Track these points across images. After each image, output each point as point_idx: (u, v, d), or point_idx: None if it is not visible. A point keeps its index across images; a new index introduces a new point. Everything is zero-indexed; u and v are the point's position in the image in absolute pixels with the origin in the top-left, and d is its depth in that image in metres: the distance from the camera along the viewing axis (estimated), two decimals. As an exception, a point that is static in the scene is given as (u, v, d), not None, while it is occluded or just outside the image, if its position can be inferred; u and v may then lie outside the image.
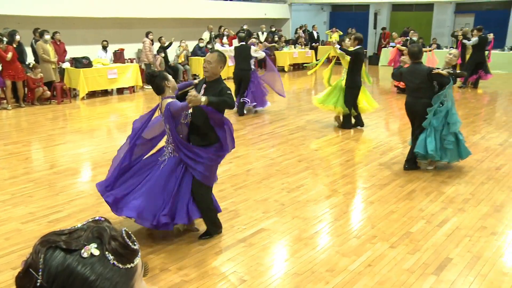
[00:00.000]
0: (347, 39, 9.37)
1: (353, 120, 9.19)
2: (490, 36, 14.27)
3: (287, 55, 18.63)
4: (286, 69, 18.59)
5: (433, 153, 6.37)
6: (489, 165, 6.93)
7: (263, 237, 4.67)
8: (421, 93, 6.39)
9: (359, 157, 7.56)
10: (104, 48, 13.59)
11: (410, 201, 5.58)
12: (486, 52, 14.46)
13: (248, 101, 10.43)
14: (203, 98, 4.16)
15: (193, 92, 4.19)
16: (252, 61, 10.67)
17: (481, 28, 14.23)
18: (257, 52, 10.71)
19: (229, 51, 10.58)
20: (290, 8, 23.05)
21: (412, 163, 6.74)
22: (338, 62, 9.71)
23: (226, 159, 7.16)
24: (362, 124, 9.21)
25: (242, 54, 10.45)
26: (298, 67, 19.42)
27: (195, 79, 15.46)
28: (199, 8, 17.95)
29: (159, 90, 4.46)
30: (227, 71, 13.10)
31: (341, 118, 9.14)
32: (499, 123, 9.79)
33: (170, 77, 4.56)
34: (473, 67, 14.03)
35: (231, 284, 3.85)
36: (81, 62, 12.36)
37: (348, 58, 8.55)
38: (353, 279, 3.90)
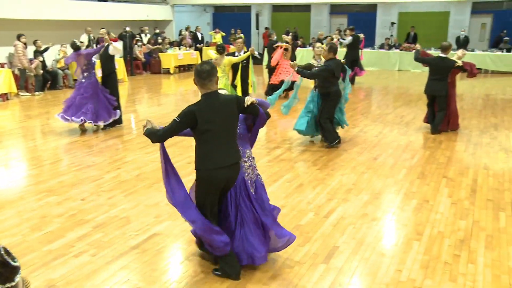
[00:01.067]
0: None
1: None
2: (361, 35, 15.30)
3: (172, 57, 18.46)
4: (171, 71, 18.40)
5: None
6: (367, 156, 7.45)
7: (157, 241, 4.59)
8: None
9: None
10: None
11: (298, 194, 5.82)
12: (360, 51, 15.50)
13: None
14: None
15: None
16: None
17: (353, 28, 15.24)
18: (116, 50, 9.21)
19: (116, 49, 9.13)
20: (173, 9, 22.85)
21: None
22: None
23: (114, 165, 6.96)
24: None
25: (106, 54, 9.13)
26: (184, 69, 19.32)
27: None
28: (75, 9, 17.08)
29: None
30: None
31: None
32: (374, 116, 10.55)
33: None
34: (349, 65, 14.96)
35: (126, 294, 3.74)
36: None
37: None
38: (247, 275, 3.97)
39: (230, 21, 24.81)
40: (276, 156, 7.46)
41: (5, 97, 12.47)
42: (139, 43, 18.22)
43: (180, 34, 21.73)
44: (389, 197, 5.79)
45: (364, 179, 6.41)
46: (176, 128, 3.69)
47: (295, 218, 5.12)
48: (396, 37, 21.09)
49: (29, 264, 4.14)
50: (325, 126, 7.75)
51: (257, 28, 23.59)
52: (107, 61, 9.21)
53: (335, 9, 24.23)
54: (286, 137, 8.68)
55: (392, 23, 21.39)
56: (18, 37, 13.08)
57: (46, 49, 13.69)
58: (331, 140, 7.81)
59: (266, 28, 23.16)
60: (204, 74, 3.70)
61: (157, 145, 3.91)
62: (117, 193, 5.86)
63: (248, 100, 3.81)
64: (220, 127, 3.72)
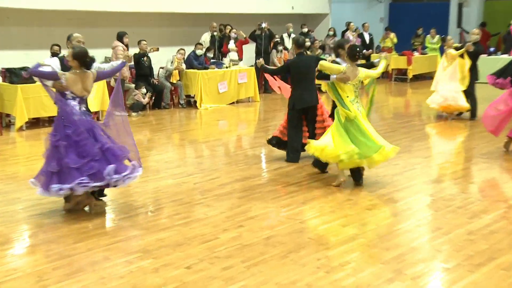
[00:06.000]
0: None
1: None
2: None
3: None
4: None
5: None
6: None
7: None
8: None
9: (435, 220, 7.48)
10: (55, 54, 12.97)
11: (517, 290, 5.51)
12: None
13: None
14: None
15: None
16: None
17: None
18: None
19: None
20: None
21: None
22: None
23: (235, 221, 7.17)
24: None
25: None
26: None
27: (189, 101, 15.68)
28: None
29: None
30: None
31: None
32: None
33: None
34: None
35: None
36: (19, 76, 12.38)
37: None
38: None
39: (417, 15, 24.69)
40: (482, 226, 7.13)
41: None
42: (279, 47, 18.78)
43: (327, 35, 21.79)
44: None
45: None
46: None
47: (510, 327, 4.83)
48: None
49: None
50: None
51: (459, 25, 23.13)
52: None
53: None
54: (500, 196, 8.28)
55: None
56: (120, 37, 14.11)
57: (143, 54, 14.56)
58: None
59: (482, 25, 22.17)
60: None
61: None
62: (236, 262, 6.01)
63: None
64: None
